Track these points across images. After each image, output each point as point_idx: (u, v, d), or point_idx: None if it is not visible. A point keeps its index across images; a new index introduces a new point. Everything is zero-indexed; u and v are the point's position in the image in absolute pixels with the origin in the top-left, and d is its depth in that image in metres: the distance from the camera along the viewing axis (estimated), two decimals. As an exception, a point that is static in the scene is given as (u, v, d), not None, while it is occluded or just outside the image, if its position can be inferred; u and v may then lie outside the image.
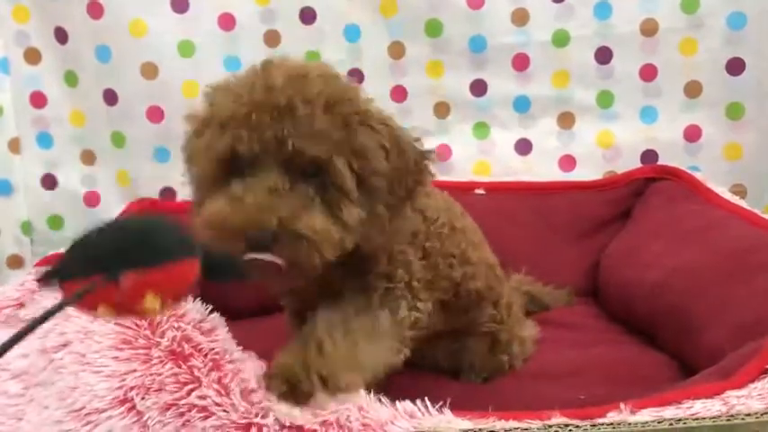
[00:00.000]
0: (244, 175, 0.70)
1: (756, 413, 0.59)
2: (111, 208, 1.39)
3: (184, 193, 1.39)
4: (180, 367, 0.68)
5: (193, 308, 0.76)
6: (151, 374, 0.68)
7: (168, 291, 0.54)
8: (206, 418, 0.65)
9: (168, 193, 1.42)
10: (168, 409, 0.66)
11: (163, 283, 0.53)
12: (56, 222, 1.44)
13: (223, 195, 0.69)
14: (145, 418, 0.66)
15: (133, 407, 0.67)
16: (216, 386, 0.67)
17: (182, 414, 0.66)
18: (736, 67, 1.34)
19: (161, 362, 0.69)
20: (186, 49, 1.36)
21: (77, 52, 1.36)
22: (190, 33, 1.36)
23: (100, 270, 0.51)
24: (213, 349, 0.71)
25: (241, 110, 0.70)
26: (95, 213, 1.40)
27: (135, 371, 0.68)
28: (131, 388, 0.67)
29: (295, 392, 0.66)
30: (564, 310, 1.24)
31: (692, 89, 1.36)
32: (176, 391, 0.67)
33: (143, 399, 0.66)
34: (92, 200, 1.44)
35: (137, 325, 0.72)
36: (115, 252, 0.52)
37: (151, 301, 0.53)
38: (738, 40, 1.32)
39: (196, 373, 0.68)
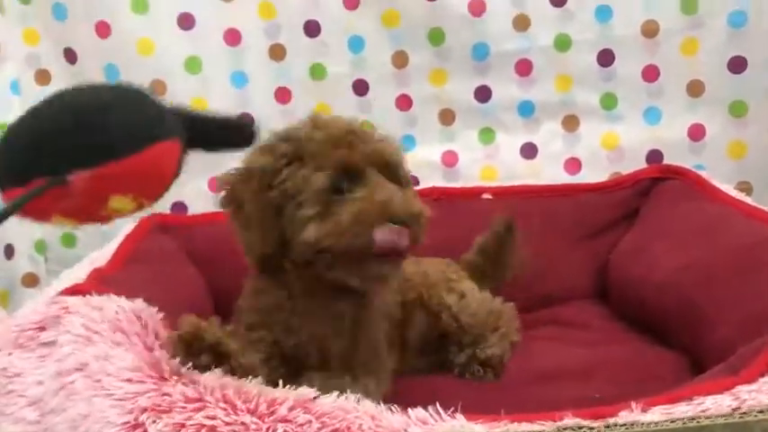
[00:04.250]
0: (352, 187, 0.81)
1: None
2: (124, 225, 1.41)
3: (196, 208, 1.43)
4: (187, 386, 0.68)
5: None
6: (162, 395, 0.67)
7: (139, 187, 0.42)
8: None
9: (179, 207, 1.43)
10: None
11: (129, 179, 0.41)
12: (69, 240, 1.46)
13: (351, 201, 0.80)
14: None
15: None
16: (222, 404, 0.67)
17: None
18: (738, 65, 1.34)
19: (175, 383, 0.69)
20: (193, 65, 1.39)
21: (86, 71, 1.38)
22: (196, 50, 1.38)
23: (43, 171, 0.39)
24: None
25: (338, 135, 0.83)
26: (108, 231, 1.41)
27: (147, 392, 0.67)
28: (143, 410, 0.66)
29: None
30: (571, 310, 1.25)
31: (695, 88, 1.37)
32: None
33: (154, 422, 0.66)
34: (104, 217, 1.45)
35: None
36: (58, 144, 0.39)
37: (119, 203, 0.41)
38: (739, 37, 1.33)
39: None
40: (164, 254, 1.22)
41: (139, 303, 0.82)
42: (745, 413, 0.60)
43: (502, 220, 1.19)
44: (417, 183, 1.44)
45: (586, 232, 1.33)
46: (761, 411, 0.59)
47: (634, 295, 1.18)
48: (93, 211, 0.42)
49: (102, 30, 1.35)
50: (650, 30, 1.35)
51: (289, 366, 0.86)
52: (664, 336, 1.10)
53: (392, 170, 0.85)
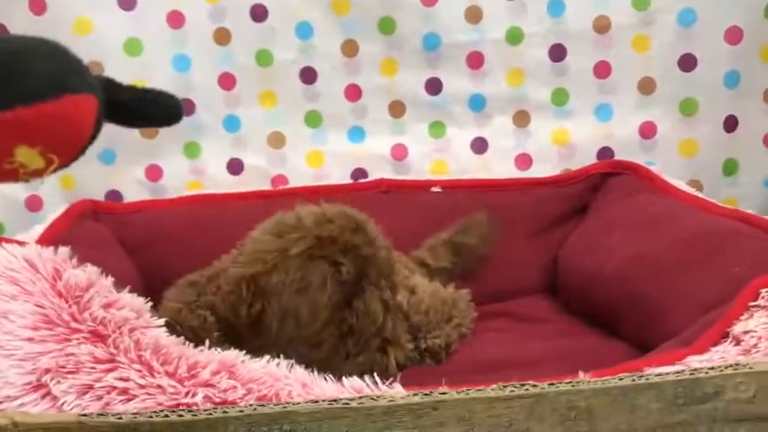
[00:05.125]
0: None
1: (720, 367, 0.56)
2: (53, 210, 1.33)
3: (131, 196, 1.36)
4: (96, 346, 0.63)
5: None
6: (66, 355, 0.62)
7: (48, 139, 0.38)
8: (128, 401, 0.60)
9: (114, 195, 1.37)
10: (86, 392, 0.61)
11: (37, 129, 0.38)
12: (-5, 227, 1.38)
13: None
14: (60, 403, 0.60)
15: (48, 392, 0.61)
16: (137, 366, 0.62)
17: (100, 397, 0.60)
18: (688, 62, 1.34)
19: (79, 342, 0.63)
20: (133, 47, 1.33)
21: (19, 50, 1.31)
22: (137, 31, 1.32)
23: None
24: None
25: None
26: (38, 218, 1.33)
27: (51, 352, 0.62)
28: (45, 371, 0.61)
29: None
30: (523, 304, 1.22)
31: (646, 86, 1.36)
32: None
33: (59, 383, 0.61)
34: (34, 204, 1.38)
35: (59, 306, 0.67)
36: None
37: (26, 156, 0.38)
38: (689, 36, 1.33)
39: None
40: (94, 240, 1.16)
41: (31, 248, 0.75)
42: (696, 370, 0.57)
43: (481, 217, 1.22)
44: (366, 175, 1.41)
45: (537, 227, 1.31)
46: (712, 368, 0.56)
47: (584, 288, 1.15)
48: None
49: (37, 6, 1.28)
50: (602, 25, 1.34)
51: None
52: (614, 328, 1.08)
53: None
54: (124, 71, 1.31)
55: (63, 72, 0.40)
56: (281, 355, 0.68)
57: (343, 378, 0.66)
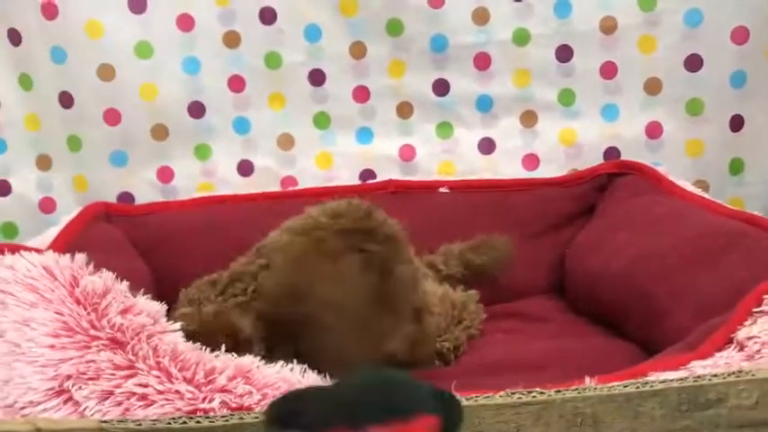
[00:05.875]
0: None
1: (723, 374, 0.58)
2: (68, 214, 1.35)
3: (143, 198, 1.38)
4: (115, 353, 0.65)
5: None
6: (87, 362, 0.63)
7: None
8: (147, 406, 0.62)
9: (126, 197, 1.38)
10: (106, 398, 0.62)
11: None
12: (10, 230, 1.40)
13: None
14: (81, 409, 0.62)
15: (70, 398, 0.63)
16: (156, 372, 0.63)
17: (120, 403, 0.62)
18: (694, 63, 1.35)
19: (99, 349, 0.65)
20: (144, 50, 1.34)
21: (31, 54, 1.33)
22: (147, 34, 1.34)
23: (345, 421, 0.49)
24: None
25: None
26: (51, 220, 1.35)
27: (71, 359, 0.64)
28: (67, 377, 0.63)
29: None
30: (530, 304, 1.23)
31: (652, 86, 1.37)
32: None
33: (80, 389, 0.62)
34: (47, 206, 1.40)
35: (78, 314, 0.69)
36: (359, 404, 0.50)
37: None
38: (695, 36, 1.34)
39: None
40: (107, 242, 1.17)
41: (49, 256, 0.77)
42: (699, 377, 0.58)
43: (499, 238, 1.25)
44: (374, 176, 1.42)
45: (543, 227, 1.32)
46: (715, 375, 0.57)
47: (590, 287, 1.16)
48: None
49: (49, 10, 1.30)
50: (608, 26, 1.35)
51: None
52: (619, 327, 1.09)
53: None
54: (135, 74, 1.34)
55: (421, 397, 0.52)
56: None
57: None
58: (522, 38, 1.37)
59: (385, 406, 0.50)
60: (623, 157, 1.39)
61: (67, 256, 0.77)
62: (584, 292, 1.19)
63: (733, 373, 0.58)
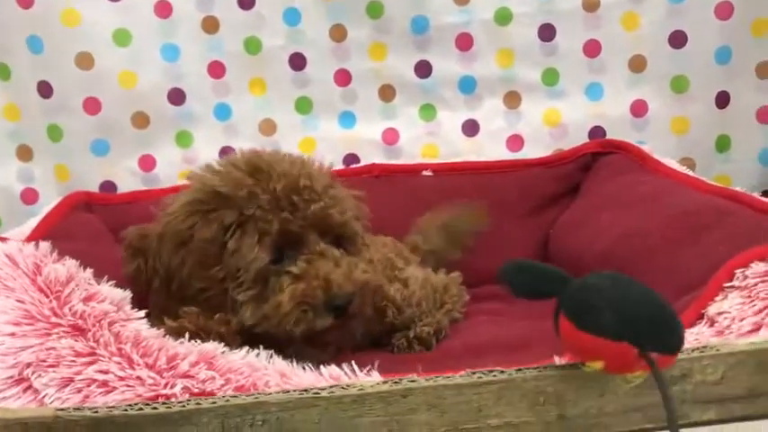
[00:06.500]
0: (293, 254, 0.81)
1: (687, 350, 0.57)
2: (50, 204, 1.34)
3: (125, 187, 1.37)
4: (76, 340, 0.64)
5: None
6: (47, 349, 0.63)
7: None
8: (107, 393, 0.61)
9: (108, 186, 1.38)
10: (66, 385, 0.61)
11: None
12: (-8, 221, 1.39)
13: (290, 281, 0.79)
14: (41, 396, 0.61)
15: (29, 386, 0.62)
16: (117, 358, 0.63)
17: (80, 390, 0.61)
18: (678, 39, 1.33)
19: (59, 336, 0.64)
20: (122, 37, 1.33)
21: (8, 44, 1.31)
22: (125, 22, 1.32)
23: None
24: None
25: (280, 196, 0.81)
26: (34, 210, 1.35)
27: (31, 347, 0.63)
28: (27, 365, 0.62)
29: None
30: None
31: (637, 64, 1.36)
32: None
33: (39, 376, 0.62)
34: (29, 197, 1.39)
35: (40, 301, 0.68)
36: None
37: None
38: (679, 12, 1.32)
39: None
40: (87, 231, 1.17)
41: (12, 245, 0.76)
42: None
43: (473, 203, 1.22)
44: (357, 161, 1.41)
45: (528, 207, 1.31)
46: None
47: (574, 266, 1.14)
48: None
49: (25, -1, 1.29)
50: (591, 3, 1.33)
51: None
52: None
53: (338, 233, 0.85)
54: (113, 62, 1.33)
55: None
56: None
57: (321, 368, 0.67)
58: (504, 17, 1.35)
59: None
60: (609, 137, 1.37)
61: (32, 244, 0.76)
62: (568, 272, 1.18)
63: (697, 348, 0.57)
